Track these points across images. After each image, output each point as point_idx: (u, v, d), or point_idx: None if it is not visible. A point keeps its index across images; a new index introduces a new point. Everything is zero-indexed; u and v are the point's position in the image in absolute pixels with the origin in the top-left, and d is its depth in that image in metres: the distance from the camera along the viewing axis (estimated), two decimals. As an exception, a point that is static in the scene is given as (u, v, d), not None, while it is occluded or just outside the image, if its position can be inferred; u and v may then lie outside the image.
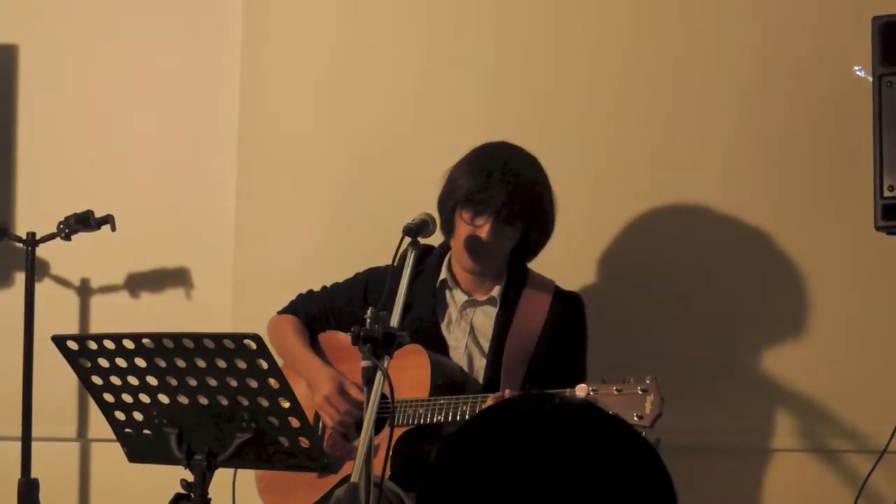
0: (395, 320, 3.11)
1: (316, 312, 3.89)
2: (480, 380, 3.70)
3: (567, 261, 4.10)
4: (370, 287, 3.83)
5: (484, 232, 3.64)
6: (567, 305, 3.78)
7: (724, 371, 4.11)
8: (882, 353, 4.02)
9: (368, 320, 2.99)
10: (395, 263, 3.52)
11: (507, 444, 1.63)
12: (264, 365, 2.90)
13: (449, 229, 3.71)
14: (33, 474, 4.23)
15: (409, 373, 3.41)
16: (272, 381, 2.93)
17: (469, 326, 3.75)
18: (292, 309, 3.92)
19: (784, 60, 4.12)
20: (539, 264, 3.86)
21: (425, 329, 3.68)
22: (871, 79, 3.49)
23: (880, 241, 3.63)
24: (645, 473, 1.64)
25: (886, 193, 3.44)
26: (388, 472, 3.17)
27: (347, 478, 2.85)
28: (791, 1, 4.13)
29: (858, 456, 3.97)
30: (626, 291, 4.20)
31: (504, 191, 3.62)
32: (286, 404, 2.94)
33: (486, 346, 3.73)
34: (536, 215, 3.69)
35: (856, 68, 3.76)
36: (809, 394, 4.06)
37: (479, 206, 3.64)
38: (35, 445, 4.27)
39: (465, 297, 3.77)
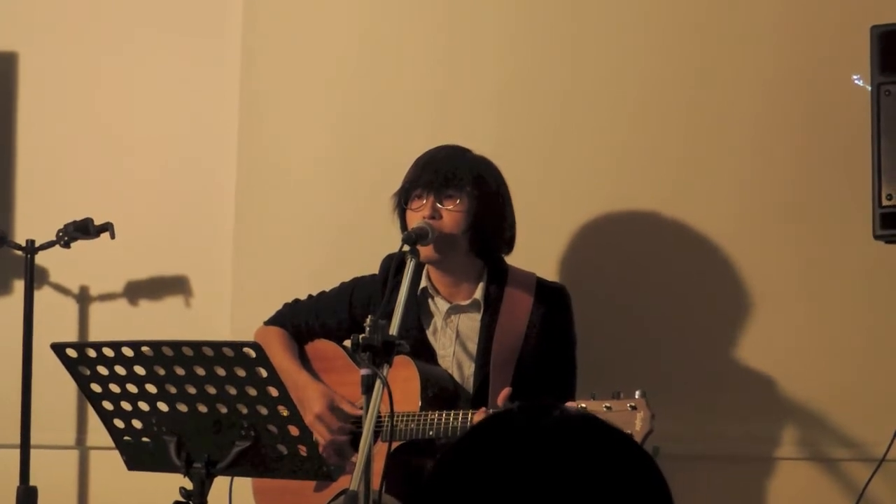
0: (394, 328, 3.12)
1: (303, 323, 3.88)
2: (471, 385, 3.69)
3: (567, 265, 4.11)
4: (355, 297, 3.83)
5: (427, 210, 3.65)
6: (550, 298, 3.76)
7: (723, 379, 4.11)
8: (881, 361, 4.02)
9: (367, 328, 2.99)
10: (394, 271, 3.52)
11: (505, 456, 1.62)
12: (263, 373, 2.91)
13: (405, 230, 3.68)
14: (32, 482, 4.22)
15: (399, 386, 3.39)
16: (271, 390, 2.93)
17: (455, 333, 3.75)
18: (280, 320, 3.91)
19: (783, 69, 4.13)
20: (540, 270, 3.86)
21: (412, 338, 3.65)
22: (869, 87, 3.50)
23: (879, 249, 3.63)
24: (644, 485, 1.63)
25: (885, 202, 3.44)
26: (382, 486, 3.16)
27: (343, 492, 2.84)
28: (790, 10, 4.14)
29: (857, 464, 3.96)
30: (625, 299, 4.20)
31: (433, 168, 3.68)
32: (285, 412, 2.94)
33: (473, 350, 3.72)
34: (476, 184, 3.68)
35: (854, 77, 3.77)
36: (808, 402, 4.06)
37: (416, 190, 3.69)
38: (34, 453, 4.27)
39: (447, 305, 3.76)
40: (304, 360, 3.85)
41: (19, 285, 4.44)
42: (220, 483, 3.08)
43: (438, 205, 3.66)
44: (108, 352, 3.00)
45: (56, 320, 4.49)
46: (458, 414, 3.50)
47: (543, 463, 1.60)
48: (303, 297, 3.94)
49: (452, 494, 1.62)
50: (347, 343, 3.72)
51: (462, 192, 3.67)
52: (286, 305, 3.94)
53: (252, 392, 2.93)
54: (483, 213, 3.68)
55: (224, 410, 2.96)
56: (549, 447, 1.61)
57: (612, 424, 1.66)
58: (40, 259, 4.40)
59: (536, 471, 1.60)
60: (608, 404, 3.31)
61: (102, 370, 3.02)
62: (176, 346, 2.94)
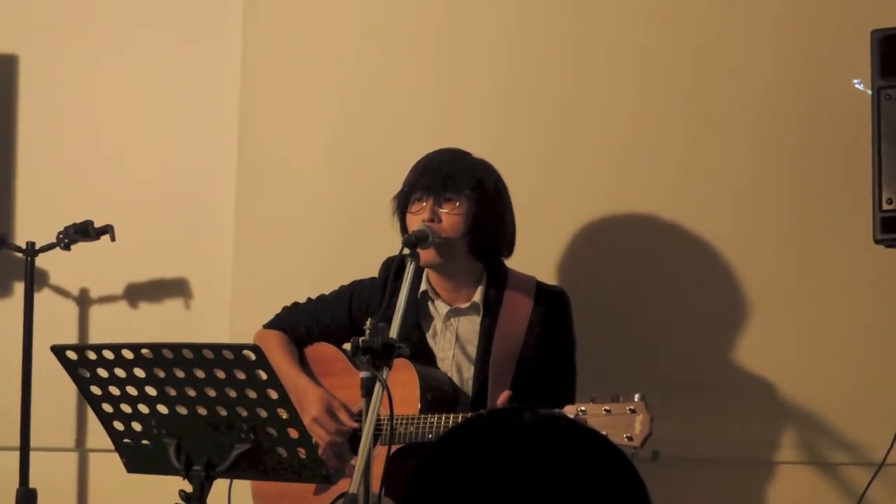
0: (394, 331, 3.11)
1: (302, 327, 3.88)
2: (470, 388, 3.69)
3: (567, 265, 4.10)
4: (354, 301, 3.83)
5: (426, 212, 3.65)
6: (550, 302, 3.76)
7: (722, 382, 4.11)
8: (881, 364, 4.02)
9: (367, 331, 2.99)
10: (394, 274, 3.51)
11: (480, 459, 1.63)
12: (263, 376, 2.90)
13: (405, 233, 3.68)
14: (31, 484, 4.23)
15: (399, 389, 3.38)
16: (271, 392, 2.93)
17: (455, 336, 3.75)
18: (279, 323, 3.91)
19: (783, 71, 4.13)
20: (539, 271, 3.86)
21: (412, 341, 3.65)
22: (869, 91, 3.49)
23: (879, 253, 3.63)
24: (619, 484, 1.64)
25: (885, 206, 3.43)
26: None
27: (343, 495, 2.84)
28: (790, 14, 4.14)
29: (857, 468, 3.96)
30: (625, 299, 4.19)
31: (432, 171, 3.68)
32: (285, 415, 2.94)
33: (473, 353, 3.72)
34: (475, 187, 3.68)
35: (855, 81, 3.77)
36: (808, 406, 4.06)
37: (415, 193, 3.69)
38: (33, 455, 4.27)
39: (447, 308, 3.76)
40: (304, 364, 3.85)
41: (19, 287, 4.45)
42: (219, 485, 3.08)
43: (438, 208, 3.66)
44: (108, 354, 3.00)
45: (56, 322, 4.50)
46: (458, 417, 3.50)
47: (515, 464, 1.61)
48: (302, 300, 3.93)
49: (428, 494, 1.63)
50: (347, 346, 3.75)
51: (461, 195, 3.66)
52: (285, 309, 3.93)
53: (251, 394, 2.93)
54: (482, 216, 3.68)
55: (223, 413, 2.96)
56: (519, 449, 1.63)
57: (584, 425, 1.68)
58: (40, 261, 4.41)
59: (508, 472, 1.61)
60: (607, 407, 3.31)
61: (102, 372, 3.02)
62: (176, 348, 2.94)
